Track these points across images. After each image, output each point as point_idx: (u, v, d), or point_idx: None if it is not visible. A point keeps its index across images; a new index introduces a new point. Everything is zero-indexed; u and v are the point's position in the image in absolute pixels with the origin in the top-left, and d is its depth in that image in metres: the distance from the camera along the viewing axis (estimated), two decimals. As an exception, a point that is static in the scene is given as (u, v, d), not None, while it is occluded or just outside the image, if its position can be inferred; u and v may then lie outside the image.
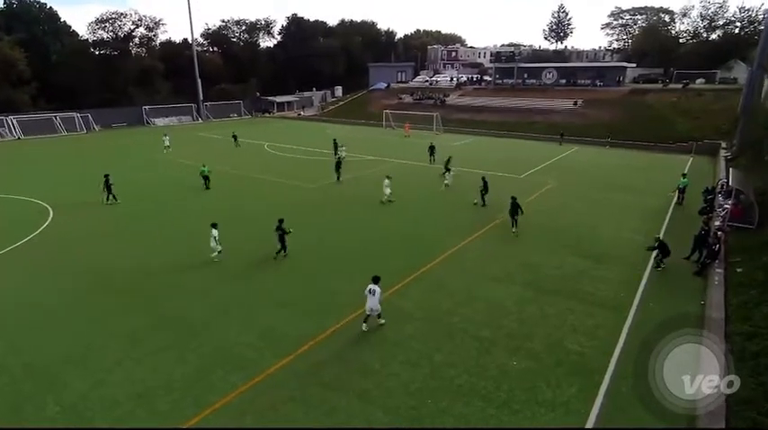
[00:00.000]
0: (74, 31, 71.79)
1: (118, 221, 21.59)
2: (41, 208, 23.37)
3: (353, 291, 14.40)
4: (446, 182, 27.73)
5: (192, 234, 19.91)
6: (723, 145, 38.02)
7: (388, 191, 23.89)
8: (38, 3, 68.67)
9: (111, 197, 24.20)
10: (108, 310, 13.42)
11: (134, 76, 69.08)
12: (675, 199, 24.59)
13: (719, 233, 17.31)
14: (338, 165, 29.44)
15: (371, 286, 12.11)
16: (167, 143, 40.40)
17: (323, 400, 9.70)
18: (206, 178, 27.39)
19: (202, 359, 11.11)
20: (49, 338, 12.03)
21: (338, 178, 29.07)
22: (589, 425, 9.09)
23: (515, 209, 19.60)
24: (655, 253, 16.09)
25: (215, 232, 16.57)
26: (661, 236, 18.99)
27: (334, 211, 23.49)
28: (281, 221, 16.96)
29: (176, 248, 18.48)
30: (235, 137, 44.04)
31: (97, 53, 69.07)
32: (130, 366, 10.81)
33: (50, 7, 68.95)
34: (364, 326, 12.38)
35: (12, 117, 51.92)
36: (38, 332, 12.32)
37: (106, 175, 24.25)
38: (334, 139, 39.45)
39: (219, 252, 16.82)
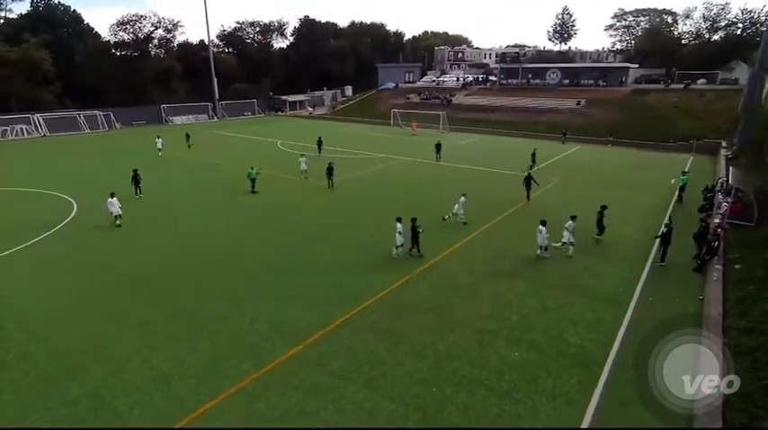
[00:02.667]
0: (96, 32, 72.33)
1: (139, 217, 21.69)
2: (66, 202, 23.65)
3: (360, 284, 14.50)
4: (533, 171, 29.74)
5: (198, 233, 20.12)
6: (723, 144, 37.38)
7: (456, 208, 19.95)
8: (62, 6, 69.25)
9: (138, 191, 24.44)
10: (125, 302, 13.55)
11: (153, 75, 69.41)
12: (676, 196, 24.27)
13: (719, 230, 17.05)
14: (330, 171, 26.16)
15: (540, 227, 15.98)
16: (160, 146, 37.46)
17: (331, 388, 9.73)
18: (253, 181, 25.40)
19: (216, 348, 11.19)
20: (69, 328, 12.16)
21: (330, 184, 26.31)
22: (589, 415, 9.03)
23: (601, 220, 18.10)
24: (657, 244, 15.93)
25: (399, 226, 16.07)
26: (661, 232, 18.83)
27: (340, 206, 23.51)
28: (414, 220, 16.21)
29: (192, 245, 18.60)
30: (187, 135, 41.06)
31: (118, 54, 69.42)
32: (147, 354, 10.92)
33: (74, 10, 69.68)
34: (539, 252, 16.42)
35: (38, 115, 52.52)
36: (59, 322, 12.48)
37: (135, 170, 24.47)
38: (319, 137, 38.00)
39: (399, 247, 16.21)
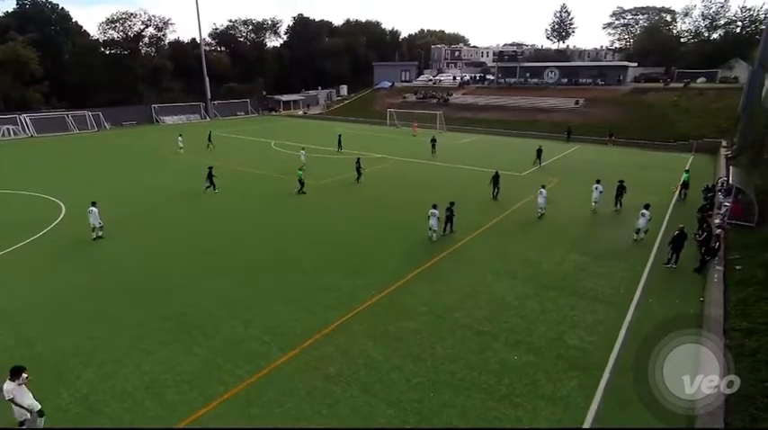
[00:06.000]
0: (85, 30, 72.10)
1: (131, 219, 21.56)
2: (54, 204, 23.52)
3: (355, 287, 14.50)
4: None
5: (193, 233, 20.06)
6: (723, 143, 37.67)
7: (541, 201, 21.30)
8: (50, 3, 68.94)
9: (212, 187, 25.49)
10: (116, 305, 13.48)
11: (144, 75, 69.19)
12: (677, 195, 24.55)
13: (719, 231, 17.17)
14: (358, 167, 28.28)
15: (644, 211, 17.91)
16: (181, 144, 39.03)
17: (326, 393, 9.72)
18: (302, 182, 25.60)
19: (210, 352, 11.16)
20: (58, 331, 12.09)
21: (359, 179, 28.12)
22: (589, 418, 9.06)
23: (621, 190, 22.20)
24: (657, 245, 16.07)
25: (435, 211, 17.96)
26: (661, 232, 18.98)
27: (338, 208, 23.48)
28: (452, 204, 18.68)
29: (186, 246, 18.55)
30: (210, 136, 41.91)
31: (107, 53, 69.12)
32: (139, 358, 10.87)
33: (62, 8, 69.32)
34: (635, 236, 18.23)
35: (25, 115, 52.25)
36: (48, 325, 12.39)
37: (210, 167, 25.88)
38: (339, 135, 40.15)
39: (433, 230, 18.12)
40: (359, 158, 29.17)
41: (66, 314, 13.01)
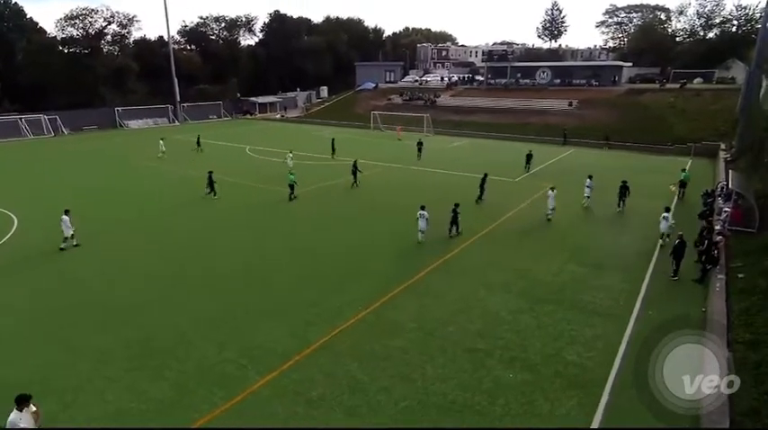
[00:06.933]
0: (41, 27, 71.09)
1: (98, 231, 20.99)
2: (5, 217, 22.94)
3: (338, 303, 14.43)
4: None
5: (163, 246, 19.76)
6: (722, 146, 38.67)
7: (550, 203, 22.05)
8: (1, -1, 67.87)
9: (213, 192, 26.30)
10: (78, 327, 13.17)
11: (106, 75, 68.35)
12: (677, 195, 25.26)
13: (719, 238, 17.57)
14: (354, 170, 29.19)
15: (665, 214, 18.65)
16: (163, 148, 39.80)
17: (308, 419, 9.61)
18: (292, 187, 25.93)
19: (182, 376, 10.95)
20: (11, 358, 11.74)
21: (355, 182, 29.08)
22: (589, 439, 9.15)
23: (624, 191, 23.50)
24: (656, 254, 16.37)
25: (424, 212, 18.75)
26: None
27: (322, 216, 23.42)
28: (456, 205, 19.82)
29: (147, 262, 18.26)
30: (198, 139, 44.56)
31: (66, 51, 68.18)
32: (102, 385, 10.59)
33: (15, 2, 68.09)
34: (660, 242, 18.72)
35: (-28, 119, 51.09)
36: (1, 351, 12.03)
37: (210, 172, 26.56)
38: (333, 139, 40.71)
39: (422, 232, 18.95)
40: (355, 161, 29.58)
41: (20, 337, 12.65)
